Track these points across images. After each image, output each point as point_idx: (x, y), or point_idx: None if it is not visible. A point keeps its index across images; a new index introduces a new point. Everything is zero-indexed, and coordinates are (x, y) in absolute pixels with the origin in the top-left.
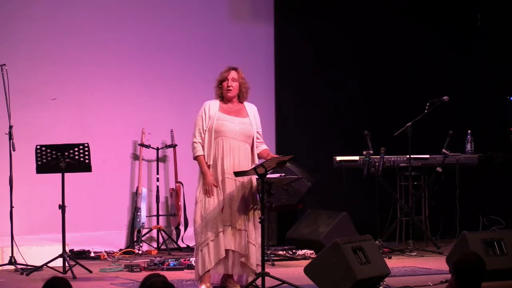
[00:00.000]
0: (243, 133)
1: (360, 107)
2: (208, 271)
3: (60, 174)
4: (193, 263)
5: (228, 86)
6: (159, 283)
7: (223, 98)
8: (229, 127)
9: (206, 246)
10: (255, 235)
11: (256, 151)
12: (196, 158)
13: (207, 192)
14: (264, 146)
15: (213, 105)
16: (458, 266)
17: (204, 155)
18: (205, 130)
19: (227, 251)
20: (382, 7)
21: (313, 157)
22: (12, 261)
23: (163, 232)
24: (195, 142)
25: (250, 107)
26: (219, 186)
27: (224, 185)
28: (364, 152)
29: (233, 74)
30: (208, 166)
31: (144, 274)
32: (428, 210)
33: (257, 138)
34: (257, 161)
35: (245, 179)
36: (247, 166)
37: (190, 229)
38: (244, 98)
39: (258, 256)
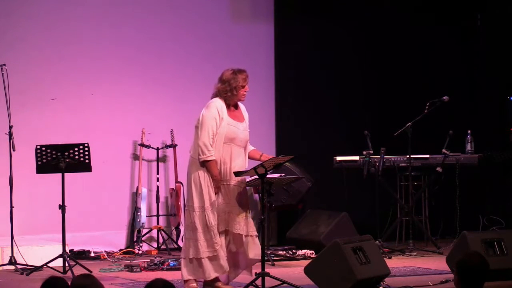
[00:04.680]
0: (245, 139)
1: (360, 107)
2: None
3: (60, 174)
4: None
5: (245, 93)
6: (159, 283)
7: (230, 102)
8: (238, 134)
9: (213, 253)
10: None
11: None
12: (207, 161)
13: (216, 196)
14: (251, 147)
15: (222, 107)
16: (462, 265)
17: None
18: (216, 133)
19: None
20: (382, 7)
21: (313, 157)
22: (12, 261)
23: (163, 232)
24: (209, 145)
25: (244, 109)
26: (223, 191)
27: (229, 191)
28: (364, 152)
29: (248, 79)
30: None
31: (144, 274)
32: (428, 210)
33: None
34: (247, 164)
35: (243, 182)
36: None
37: None
38: None
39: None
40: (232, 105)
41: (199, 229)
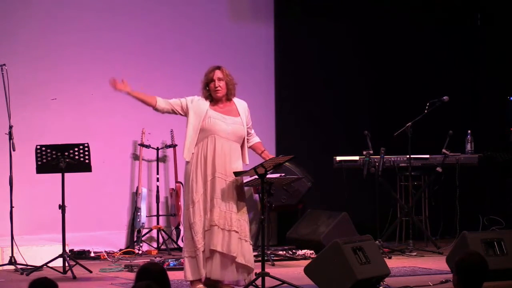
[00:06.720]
0: (234, 133)
1: (360, 107)
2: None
3: (60, 174)
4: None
5: (216, 87)
6: (154, 267)
7: (212, 99)
8: (222, 126)
9: (192, 254)
10: (246, 232)
11: (247, 146)
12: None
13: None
14: (257, 139)
15: (202, 103)
16: (461, 265)
17: (156, 100)
18: (177, 110)
19: (212, 251)
20: (382, 7)
21: (313, 157)
22: (12, 261)
23: (163, 232)
24: (164, 100)
25: (240, 105)
26: (209, 185)
27: (214, 184)
28: (364, 152)
29: (218, 73)
30: (196, 165)
31: None
32: (428, 210)
33: (248, 134)
34: (247, 160)
35: (235, 178)
36: (238, 166)
37: None
38: (232, 95)
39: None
40: (218, 101)
41: (185, 227)
